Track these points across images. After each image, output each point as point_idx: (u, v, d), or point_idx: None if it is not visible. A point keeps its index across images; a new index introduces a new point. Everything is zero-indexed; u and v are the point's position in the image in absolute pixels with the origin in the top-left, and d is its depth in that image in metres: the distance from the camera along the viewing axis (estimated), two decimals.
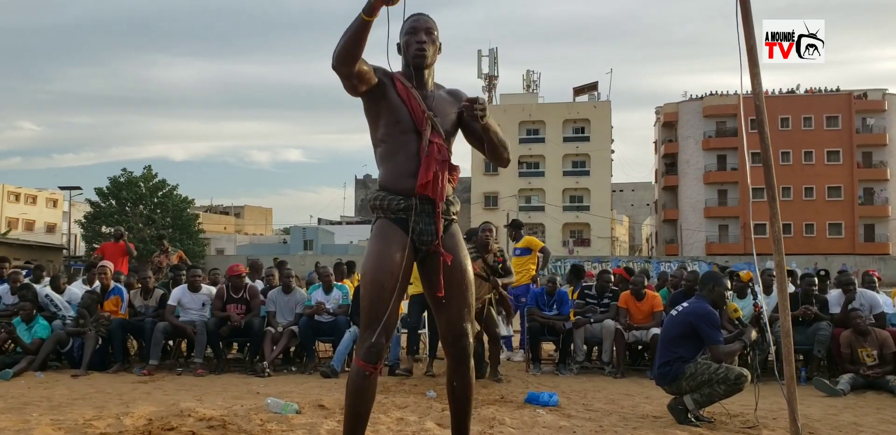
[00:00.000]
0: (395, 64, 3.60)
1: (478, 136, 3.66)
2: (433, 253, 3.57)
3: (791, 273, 9.27)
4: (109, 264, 9.71)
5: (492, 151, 3.66)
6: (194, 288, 8.88)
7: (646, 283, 9.31)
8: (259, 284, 9.55)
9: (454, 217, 3.69)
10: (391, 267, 3.47)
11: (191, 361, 8.63)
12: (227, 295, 8.83)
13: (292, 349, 9.06)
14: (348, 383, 3.49)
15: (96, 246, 47.48)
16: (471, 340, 3.60)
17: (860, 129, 58.61)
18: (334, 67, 3.37)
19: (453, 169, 3.61)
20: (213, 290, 9.08)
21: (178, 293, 8.87)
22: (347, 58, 3.32)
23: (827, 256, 46.74)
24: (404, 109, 3.54)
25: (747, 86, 4.43)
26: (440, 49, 3.68)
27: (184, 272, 9.41)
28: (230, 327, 8.56)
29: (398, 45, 3.65)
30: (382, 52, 3.46)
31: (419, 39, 3.56)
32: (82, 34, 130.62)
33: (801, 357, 8.42)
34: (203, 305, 8.84)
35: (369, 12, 3.24)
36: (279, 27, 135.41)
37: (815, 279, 8.78)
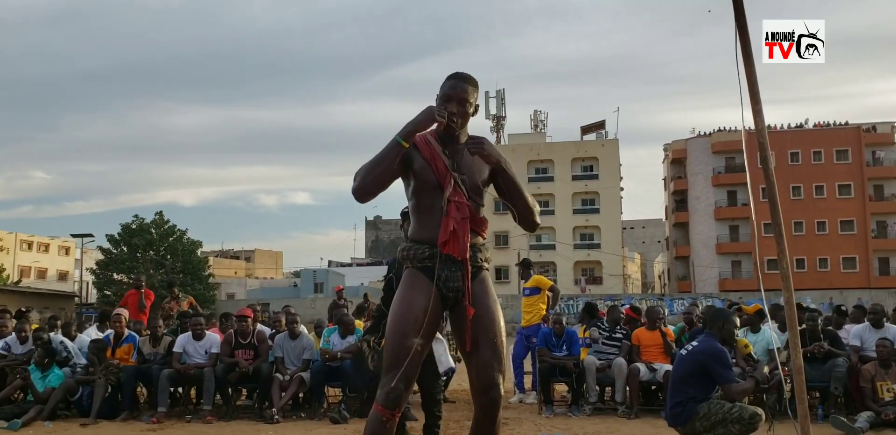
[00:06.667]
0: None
1: (503, 192, 3.73)
2: (462, 301, 3.60)
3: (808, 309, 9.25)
4: (124, 312, 9.70)
5: (514, 204, 3.69)
6: (197, 336, 8.83)
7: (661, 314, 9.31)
8: (266, 330, 9.50)
9: (483, 264, 3.72)
10: (414, 314, 3.52)
11: (200, 408, 8.56)
12: (235, 341, 8.79)
13: (301, 395, 8.98)
14: (366, 428, 3.51)
15: (108, 293, 47.67)
16: (501, 391, 3.56)
17: (870, 162, 58.49)
18: (358, 199, 3.58)
19: (478, 223, 3.65)
20: (217, 337, 9.02)
21: (183, 341, 8.84)
22: (377, 188, 3.54)
23: (842, 290, 46.26)
24: (429, 169, 3.61)
25: (750, 122, 4.44)
26: (476, 110, 3.72)
27: (191, 319, 9.41)
28: (238, 374, 8.50)
29: (437, 97, 3.68)
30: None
31: (451, 111, 3.59)
32: (92, 83, 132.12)
33: (818, 394, 8.31)
34: (206, 352, 8.77)
35: (408, 138, 3.47)
36: (286, 72, 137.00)
37: (816, 314, 8.75)
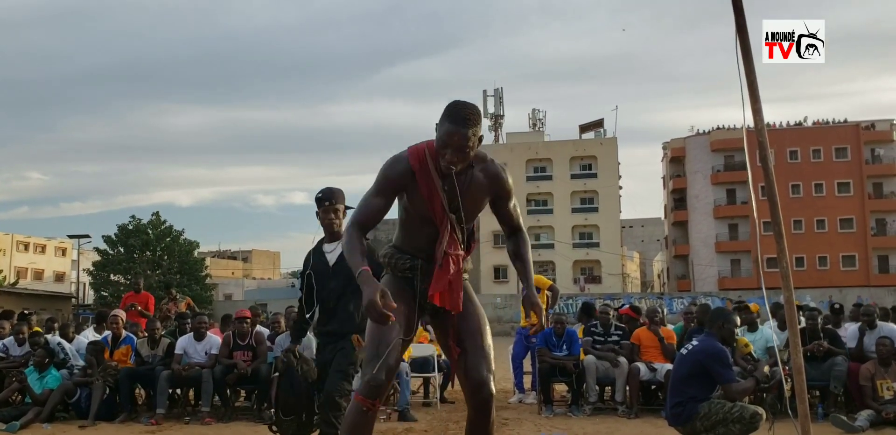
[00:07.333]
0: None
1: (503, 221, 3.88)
2: (442, 308, 3.60)
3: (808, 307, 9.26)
4: (121, 313, 9.68)
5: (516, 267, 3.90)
6: (199, 335, 8.80)
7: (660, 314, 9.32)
8: (264, 331, 9.47)
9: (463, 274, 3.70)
10: (396, 311, 3.46)
11: (198, 410, 8.53)
12: (234, 342, 8.76)
13: None
14: (345, 419, 3.51)
15: (105, 294, 47.64)
16: (492, 389, 3.56)
17: (869, 159, 58.54)
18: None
19: (467, 252, 3.67)
20: (217, 338, 8.99)
21: (184, 342, 8.81)
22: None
23: (841, 288, 46.22)
24: (425, 207, 3.51)
25: (750, 120, 4.42)
26: (480, 140, 3.45)
27: (188, 320, 9.38)
28: (237, 375, 8.48)
29: (436, 126, 3.43)
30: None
31: (449, 160, 3.35)
32: (90, 84, 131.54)
33: (818, 393, 8.29)
34: (206, 353, 8.74)
35: None
36: (283, 72, 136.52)
37: (817, 313, 8.74)
